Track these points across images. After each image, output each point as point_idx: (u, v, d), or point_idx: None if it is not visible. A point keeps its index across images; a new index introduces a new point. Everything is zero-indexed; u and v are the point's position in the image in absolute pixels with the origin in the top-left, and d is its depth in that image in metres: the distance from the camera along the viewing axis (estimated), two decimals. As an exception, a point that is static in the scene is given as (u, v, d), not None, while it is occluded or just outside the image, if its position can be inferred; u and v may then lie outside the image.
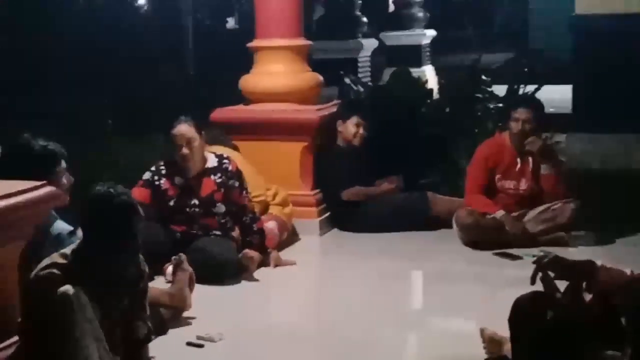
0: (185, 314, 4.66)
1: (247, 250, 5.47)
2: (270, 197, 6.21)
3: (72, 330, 3.35)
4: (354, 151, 6.69)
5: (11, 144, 4.30)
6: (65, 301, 3.35)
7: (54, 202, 3.78)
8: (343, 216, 6.57)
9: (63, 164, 4.28)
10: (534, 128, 6.15)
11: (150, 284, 4.30)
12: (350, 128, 6.68)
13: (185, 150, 5.44)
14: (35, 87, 11.95)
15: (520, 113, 6.14)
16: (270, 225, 5.91)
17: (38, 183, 3.66)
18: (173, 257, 4.89)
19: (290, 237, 6.22)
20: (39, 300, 3.43)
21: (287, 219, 6.21)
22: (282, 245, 6.00)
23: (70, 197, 4.08)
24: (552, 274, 3.34)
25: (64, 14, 13.92)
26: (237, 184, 5.57)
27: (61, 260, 3.52)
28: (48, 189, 3.68)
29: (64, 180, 4.23)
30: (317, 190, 6.62)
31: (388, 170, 6.76)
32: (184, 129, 5.46)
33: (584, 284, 3.32)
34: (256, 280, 5.44)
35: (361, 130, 6.68)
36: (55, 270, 3.46)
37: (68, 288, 3.38)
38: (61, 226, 4.09)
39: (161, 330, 4.38)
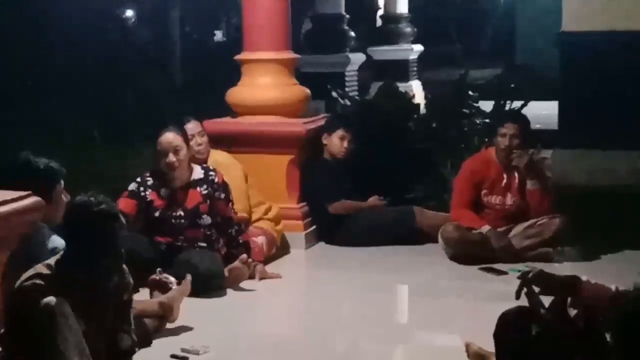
0: (170, 326, 4.64)
1: (244, 256, 5.45)
2: (262, 213, 6.20)
3: (56, 342, 3.33)
4: (340, 165, 6.69)
5: (12, 161, 4.28)
6: (48, 312, 3.33)
7: (39, 213, 3.76)
8: (329, 230, 6.56)
9: (62, 183, 4.27)
10: (520, 143, 6.17)
11: (135, 296, 4.30)
12: (336, 141, 6.69)
13: (172, 158, 5.42)
14: (21, 97, 11.93)
15: (508, 128, 6.16)
16: (259, 240, 5.92)
17: (23, 193, 3.64)
18: (158, 269, 4.88)
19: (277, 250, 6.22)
20: (23, 311, 3.41)
21: (277, 235, 6.20)
22: (268, 258, 5.99)
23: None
24: (537, 289, 3.35)
25: (50, 25, 13.91)
26: (223, 195, 5.56)
27: (45, 271, 3.50)
28: (33, 199, 3.66)
29: (63, 199, 4.23)
30: (304, 204, 6.62)
31: (374, 185, 6.76)
32: (172, 137, 5.45)
33: (568, 300, 3.32)
34: (242, 293, 5.43)
35: (346, 144, 6.68)
36: (39, 281, 3.44)
37: (51, 299, 3.36)
38: (58, 241, 4.07)
39: (145, 342, 4.36)
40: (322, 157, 6.71)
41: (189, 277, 4.78)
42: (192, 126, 6.06)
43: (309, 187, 6.60)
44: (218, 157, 6.13)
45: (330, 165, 6.67)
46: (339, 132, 6.68)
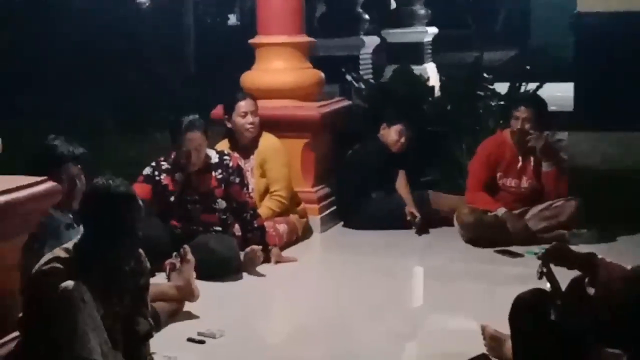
0: (187, 309, 4.67)
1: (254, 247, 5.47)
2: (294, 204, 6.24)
3: (74, 326, 3.34)
4: (389, 154, 6.69)
5: (42, 146, 4.33)
6: (67, 296, 3.35)
7: (55, 198, 3.78)
8: (346, 213, 6.58)
9: (72, 165, 4.31)
10: (534, 126, 6.14)
11: (152, 281, 4.32)
12: (393, 135, 6.69)
13: (194, 155, 5.44)
14: (35, 85, 11.95)
15: (521, 112, 6.14)
16: (281, 228, 5.96)
17: (38, 178, 3.66)
18: (174, 254, 4.89)
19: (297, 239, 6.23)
20: (41, 295, 3.43)
21: (300, 226, 6.21)
22: (286, 245, 6.00)
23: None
24: (553, 265, 3.34)
25: (63, 12, 13.91)
26: (237, 180, 5.57)
27: (63, 255, 3.51)
28: (49, 184, 3.68)
29: (77, 183, 4.28)
30: (319, 187, 6.62)
31: (389, 168, 6.76)
32: (197, 136, 5.44)
33: (586, 280, 3.31)
34: (257, 276, 5.44)
35: (402, 140, 6.69)
36: (57, 265, 3.45)
37: (70, 283, 3.37)
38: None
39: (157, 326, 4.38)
40: (378, 140, 6.71)
41: (186, 247, 4.75)
42: (245, 104, 6.11)
43: (353, 164, 6.60)
44: (275, 142, 6.18)
45: (378, 151, 6.66)
46: (398, 127, 6.69)
